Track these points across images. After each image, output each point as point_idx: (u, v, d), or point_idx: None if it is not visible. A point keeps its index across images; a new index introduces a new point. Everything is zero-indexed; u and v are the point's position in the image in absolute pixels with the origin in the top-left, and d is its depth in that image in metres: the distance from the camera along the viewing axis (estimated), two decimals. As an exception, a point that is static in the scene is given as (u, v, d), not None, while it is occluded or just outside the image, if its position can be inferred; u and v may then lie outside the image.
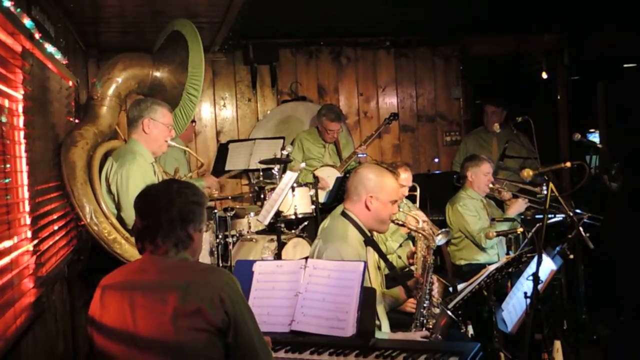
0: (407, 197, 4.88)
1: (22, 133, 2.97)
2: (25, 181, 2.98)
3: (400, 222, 3.44)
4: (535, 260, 3.57)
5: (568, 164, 4.69)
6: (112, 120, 4.11)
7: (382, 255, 3.42)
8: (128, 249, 3.66)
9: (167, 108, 4.04)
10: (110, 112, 4.08)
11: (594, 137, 7.55)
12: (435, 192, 5.67)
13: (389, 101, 7.29)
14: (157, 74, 4.25)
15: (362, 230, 3.25)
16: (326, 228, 3.36)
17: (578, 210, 4.65)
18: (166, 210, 2.29)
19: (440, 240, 3.54)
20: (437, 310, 3.30)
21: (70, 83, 4.39)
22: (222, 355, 2.23)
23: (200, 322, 2.17)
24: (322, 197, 5.60)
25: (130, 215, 3.71)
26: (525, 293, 3.59)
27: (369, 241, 3.29)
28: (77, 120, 4.41)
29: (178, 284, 2.22)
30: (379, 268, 3.49)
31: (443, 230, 3.63)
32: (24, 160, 2.97)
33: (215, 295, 2.20)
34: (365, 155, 6.36)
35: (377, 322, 3.10)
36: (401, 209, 3.68)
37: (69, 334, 3.78)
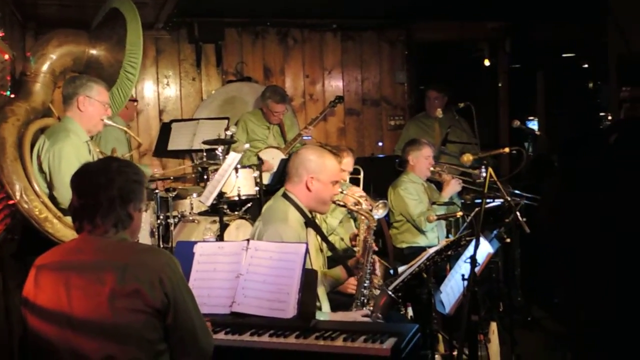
0: (351, 181, 4.92)
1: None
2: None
3: (341, 203, 3.47)
4: (473, 243, 3.65)
5: (507, 150, 4.81)
6: (45, 97, 3.99)
7: (324, 237, 3.45)
8: (60, 229, 3.59)
9: (104, 86, 3.95)
10: (43, 89, 3.97)
11: (533, 125, 7.76)
12: (379, 176, 5.72)
13: (335, 84, 7.29)
14: (94, 51, 4.15)
15: (303, 212, 3.26)
16: (267, 209, 3.36)
17: (517, 191, 4.76)
18: (106, 189, 2.25)
19: (379, 213, 3.57)
20: (377, 292, 3.34)
21: (6, 56, 4.23)
22: (161, 336, 2.21)
23: (138, 303, 2.15)
24: (266, 178, 5.58)
25: (62, 194, 3.63)
26: (463, 275, 3.67)
27: (310, 222, 3.30)
28: (12, 95, 4.27)
29: (116, 265, 2.19)
30: (321, 250, 3.51)
31: (380, 201, 3.67)
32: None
33: (155, 276, 2.18)
34: (310, 137, 6.35)
35: (317, 304, 3.13)
36: (344, 192, 3.70)
37: (2, 316, 3.68)
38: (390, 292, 3.29)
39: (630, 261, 2.38)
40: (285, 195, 3.29)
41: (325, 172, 3.25)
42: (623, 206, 2.45)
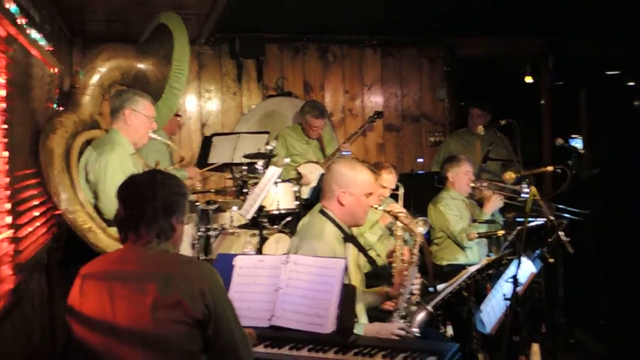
0: (390, 197, 4.88)
1: (1, 119, 2.92)
2: (4, 167, 2.93)
3: (393, 213, 3.45)
4: (515, 262, 3.59)
5: (550, 168, 4.73)
6: (93, 110, 4.07)
7: (363, 251, 3.42)
8: (103, 239, 3.64)
9: (149, 100, 4.02)
10: (92, 102, 4.04)
11: (577, 143, 7.62)
12: (419, 192, 5.67)
13: (375, 100, 7.30)
14: (141, 65, 4.22)
15: (341, 227, 3.24)
16: (304, 225, 3.36)
17: (561, 206, 4.66)
18: (150, 200, 2.29)
19: (420, 230, 3.55)
20: (415, 309, 3.29)
21: (54, 70, 4.33)
22: (201, 347, 2.22)
23: (179, 314, 2.17)
24: (305, 193, 5.59)
25: (107, 205, 3.69)
26: (505, 295, 3.62)
27: (348, 238, 3.28)
28: (60, 108, 4.36)
29: (158, 276, 2.21)
30: (359, 266, 3.49)
31: (420, 219, 3.64)
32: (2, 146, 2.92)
33: (196, 288, 2.19)
34: (349, 152, 6.36)
35: (355, 320, 3.10)
36: (380, 208, 3.67)
37: (47, 323, 3.74)
38: (428, 307, 3.24)
39: None
40: (322, 211, 3.28)
41: (357, 185, 3.22)
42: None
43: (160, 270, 2.23)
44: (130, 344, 2.17)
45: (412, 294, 3.28)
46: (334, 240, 3.19)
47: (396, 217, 3.51)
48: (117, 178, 3.46)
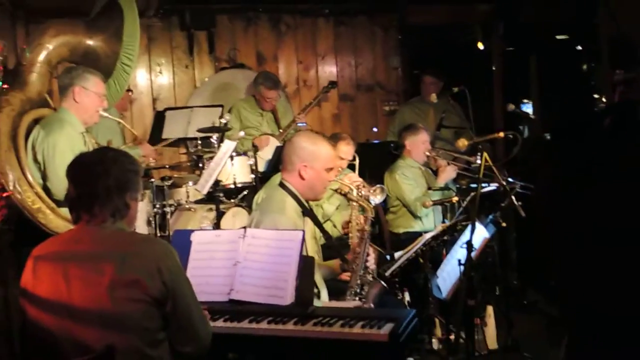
0: (347, 166, 4.91)
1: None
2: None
3: (343, 192, 3.45)
4: (469, 228, 3.66)
5: (502, 134, 4.81)
6: (41, 88, 3.96)
7: (319, 225, 3.44)
8: (53, 219, 3.59)
9: (100, 77, 3.93)
10: (39, 79, 3.93)
11: (528, 108, 7.75)
12: (374, 162, 5.71)
13: (329, 70, 7.26)
14: (91, 42, 4.12)
15: (300, 201, 3.24)
16: (264, 199, 3.35)
17: (510, 180, 4.78)
18: (103, 178, 2.26)
19: (377, 199, 3.56)
20: (371, 279, 3.34)
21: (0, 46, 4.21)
22: (160, 325, 2.23)
23: (137, 292, 2.16)
24: (261, 166, 5.58)
25: (56, 185, 3.62)
26: (459, 260, 3.69)
27: (307, 212, 3.29)
28: (5, 85, 4.24)
29: (115, 255, 2.20)
30: (316, 239, 3.51)
31: (377, 186, 3.66)
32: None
33: (153, 266, 2.19)
34: (304, 124, 6.33)
35: (315, 290, 3.14)
36: (337, 179, 3.69)
37: (1, 306, 3.68)
38: (382, 282, 3.29)
39: (627, 254, 2.35)
40: (282, 185, 3.27)
41: (318, 159, 3.21)
42: (618, 194, 2.43)
43: (116, 250, 2.22)
44: (88, 324, 2.16)
45: (365, 269, 3.30)
46: (294, 214, 3.20)
47: (345, 195, 3.52)
48: (66, 157, 3.38)
